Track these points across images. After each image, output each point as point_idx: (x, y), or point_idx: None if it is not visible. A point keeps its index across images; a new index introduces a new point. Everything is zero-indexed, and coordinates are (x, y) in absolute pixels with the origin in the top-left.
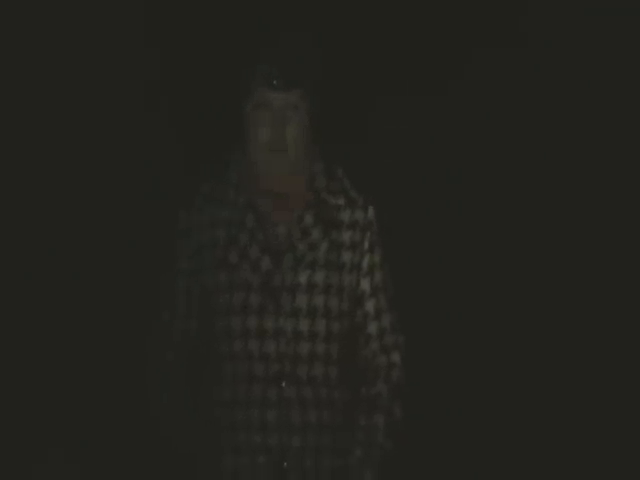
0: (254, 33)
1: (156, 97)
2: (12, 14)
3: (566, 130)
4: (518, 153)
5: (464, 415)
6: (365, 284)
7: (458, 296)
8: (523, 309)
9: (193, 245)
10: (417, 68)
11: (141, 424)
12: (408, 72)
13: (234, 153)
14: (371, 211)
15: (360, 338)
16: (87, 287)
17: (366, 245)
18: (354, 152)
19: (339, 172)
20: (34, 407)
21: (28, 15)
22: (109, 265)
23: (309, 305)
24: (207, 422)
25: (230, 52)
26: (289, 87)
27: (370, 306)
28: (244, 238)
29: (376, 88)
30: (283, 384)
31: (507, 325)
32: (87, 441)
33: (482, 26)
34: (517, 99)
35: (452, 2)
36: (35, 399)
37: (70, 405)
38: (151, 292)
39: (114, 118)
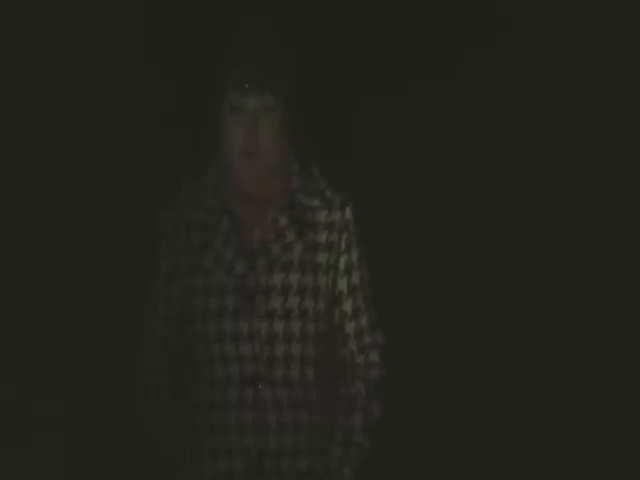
0: (228, 36)
1: (135, 100)
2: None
3: (555, 131)
4: (500, 148)
5: (443, 414)
6: (342, 284)
7: (438, 294)
8: (504, 306)
9: (171, 248)
10: (393, 66)
11: (124, 426)
12: (383, 71)
13: (212, 155)
14: (348, 211)
15: (338, 338)
16: (72, 290)
17: (343, 245)
18: (331, 151)
19: (315, 173)
20: (23, 407)
21: (16, 12)
22: (94, 267)
23: (283, 307)
24: (186, 425)
25: (205, 54)
26: (262, 90)
27: (347, 306)
28: (219, 241)
29: (351, 88)
30: (259, 386)
31: (487, 322)
32: (72, 443)
33: (463, 27)
34: (498, 98)
35: (426, 5)
36: (24, 401)
37: (53, 408)
38: (135, 295)
39: (94, 121)
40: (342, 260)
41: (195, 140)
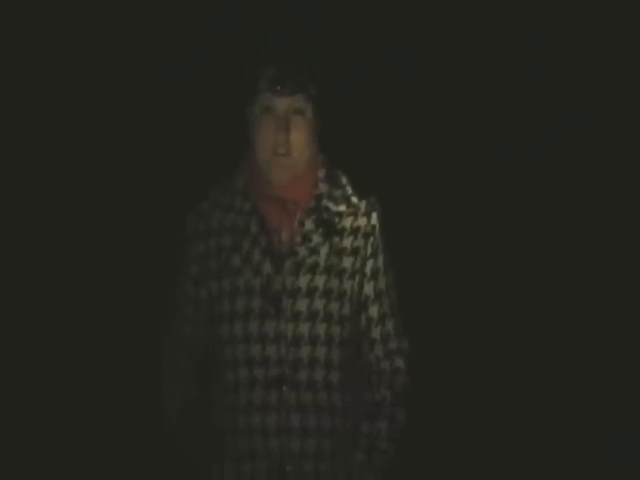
0: (259, 38)
1: (164, 103)
2: (14, 11)
3: (572, 132)
4: (523, 154)
5: (467, 421)
6: (369, 289)
7: (463, 301)
8: (530, 313)
9: (200, 251)
10: (419, 73)
11: (150, 429)
12: (409, 79)
13: (241, 159)
14: (374, 217)
15: (364, 343)
16: (98, 293)
17: (369, 251)
18: (358, 156)
19: (342, 179)
20: (46, 412)
21: (30, 14)
22: (120, 271)
23: (309, 309)
24: (211, 427)
25: (236, 56)
26: (294, 92)
27: (374, 311)
28: (247, 243)
29: (378, 93)
30: (284, 388)
31: (512, 330)
32: (93, 445)
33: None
34: (517, 100)
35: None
36: (48, 404)
37: (79, 410)
38: (161, 298)
39: (121, 124)
40: (368, 265)
41: (223, 143)
